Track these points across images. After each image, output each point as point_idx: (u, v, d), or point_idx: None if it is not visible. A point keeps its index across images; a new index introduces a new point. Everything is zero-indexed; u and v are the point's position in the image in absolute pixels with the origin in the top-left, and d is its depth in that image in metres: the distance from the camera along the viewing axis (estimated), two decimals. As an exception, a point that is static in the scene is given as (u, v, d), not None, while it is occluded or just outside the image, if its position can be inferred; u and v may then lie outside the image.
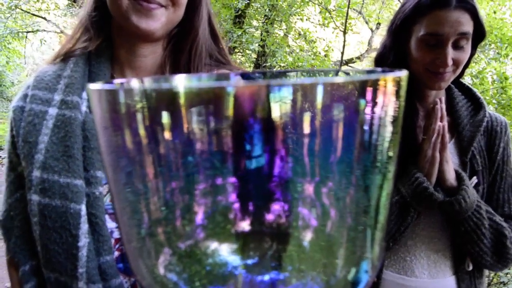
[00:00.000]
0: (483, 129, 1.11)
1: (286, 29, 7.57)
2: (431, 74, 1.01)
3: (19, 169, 0.81)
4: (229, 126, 0.22)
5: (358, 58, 8.70)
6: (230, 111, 0.21)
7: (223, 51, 0.96)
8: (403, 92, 0.26)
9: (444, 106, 1.00)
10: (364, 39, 9.57)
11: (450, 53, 0.98)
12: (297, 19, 7.26)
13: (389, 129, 0.25)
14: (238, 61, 7.29)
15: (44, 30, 8.95)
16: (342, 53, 4.82)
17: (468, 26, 0.98)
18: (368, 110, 0.23)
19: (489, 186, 1.11)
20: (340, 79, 0.22)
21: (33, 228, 0.77)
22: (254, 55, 6.83)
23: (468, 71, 5.22)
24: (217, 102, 0.21)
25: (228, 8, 6.12)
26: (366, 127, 0.24)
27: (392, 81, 0.24)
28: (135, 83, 0.32)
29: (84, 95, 0.82)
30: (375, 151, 0.25)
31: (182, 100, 0.21)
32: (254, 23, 7.17)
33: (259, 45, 5.71)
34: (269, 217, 0.26)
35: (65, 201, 0.74)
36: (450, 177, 1.01)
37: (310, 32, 7.73)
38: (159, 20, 0.80)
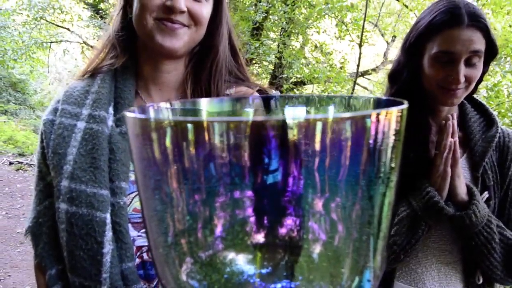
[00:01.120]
0: (495, 145, 1.13)
1: (302, 41, 7.63)
2: (443, 90, 1.03)
3: (48, 179, 0.86)
4: (246, 146, 0.26)
5: (373, 70, 8.69)
6: (247, 138, 0.25)
7: (242, 67, 1.00)
8: (403, 122, 0.30)
9: (456, 122, 1.02)
10: (379, 51, 9.56)
11: (462, 70, 1.00)
12: (314, 31, 7.31)
13: (389, 153, 0.29)
14: (255, 71, 7.36)
15: (68, 41, 9.20)
16: (358, 65, 4.84)
17: (480, 44, 1.00)
18: (372, 139, 0.27)
19: (500, 201, 1.12)
20: (347, 114, 0.26)
21: (60, 235, 0.82)
22: (271, 67, 6.89)
23: (483, 84, 5.18)
24: (237, 132, 0.25)
25: (246, 20, 6.21)
26: (371, 148, 0.28)
27: (394, 114, 0.28)
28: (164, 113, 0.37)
29: (111, 109, 0.87)
30: (379, 164, 0.29)
31: (205, 131, 0.25)
32: (272, 35, 7.24)
33: (275, 57, 5.77)
34: (282, 230, 0.29)
35: (91, 210, 0.79)
36: (461, 191, 1.02)
37: (326, 45, 7.78)
38: (182, 39, 0.85)
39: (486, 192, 1.08)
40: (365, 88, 9.05)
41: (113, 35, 0.91)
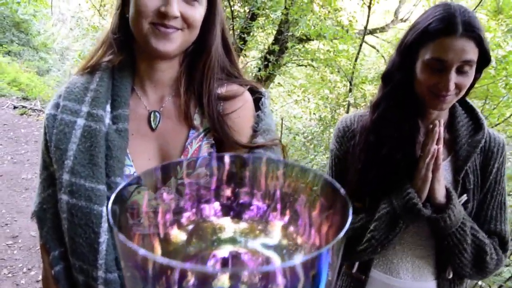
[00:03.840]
0: (481, 148, 1.17)
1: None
2: (433, 96, 1.06)
3: (51, 169, 0.93)
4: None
5: (383, 28, 8.49)
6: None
7: (235, 63, 1.03)
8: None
9: (442, 128, 1.06)
10: (391, 8, 9.28)
11: (453, 78, 1.03)
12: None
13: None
14: (260, 23, 7.21)
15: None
16: (365, 27, 4.75)
17: (472, 54, 1.02)
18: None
19: (479, 203, 1.17)
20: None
21: (62, 222, 0.89)
22: (277, 22, 6.74)
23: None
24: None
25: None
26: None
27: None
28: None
29: (108, 108, 0.92)
30: None
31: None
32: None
33: (282, 13, 5.63)
34: None
35: (90, 203, 0.86)
36: (440, 195, 1.08)
37: (335, 0, 7.53)
38: (176, 43, 0.88)
39: (464, 195, 1.14)
40: (373, 47, 8.86)
41: (111, 35, 0.93)
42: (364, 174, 1.15)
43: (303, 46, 7.84)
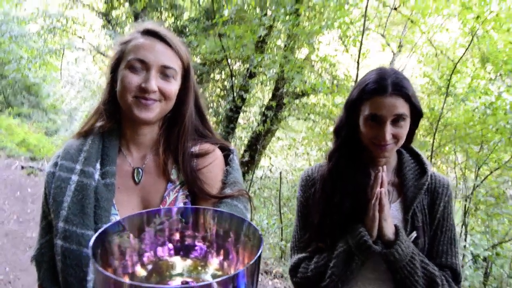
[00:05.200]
0: (427, 190, 1.33)
1: (307, 53, 7.81)
2: (375, 146, 1.24)
3: (49, 218, 1.09)
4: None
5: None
6: None
7: (208, 125, 1.23)
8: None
9: (384, 174, 1.22)
10: (386, 61, 9.70)
11: (389, 130, 1.21)
12: (318, 41, 7.47)
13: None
14: (259, 80, 7.57)
15: (80, 48, 9.52)
16: (355, 81, 5.01)
17: (403, 108, 1.21)
18: None
19: (430, 239, 1.31)
20: None
21: (57, 263, 1.05)
22: (274, 79, 7.08)
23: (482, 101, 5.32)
24: None
25: (251, 32, 6.39)
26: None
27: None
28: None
29: (98, 165, 1.10)
30: None
31: None
32: (276, 46, 7.45)
33: (276, 72, 5.97)
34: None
35: (80, 246, 1.02)
36: (388, 232, 1.22)
37: (331, 56, 7.94)
38: (154, 112, 1.08)
39: (414, 232, 1.28)
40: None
41: (101, 106, 1.14)
42: (324, 218, 1.31)
43: (300, 101, 8.17)
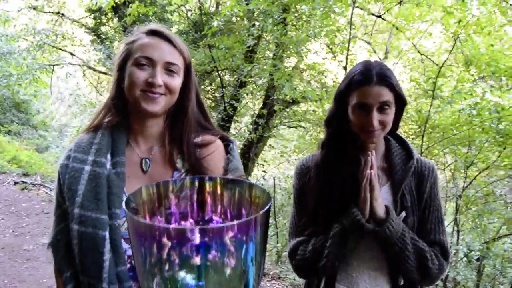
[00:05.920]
0: (414, 173, 1.43)
1: (296, 61, 7.97)
2: (364, 132, 1.34)
3: (64, 207, 1.17)
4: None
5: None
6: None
7: (209, 119, 1.32)
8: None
9: (374, 158, 1.32)
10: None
11: (376, 117, 1.30)
12: (306, 52, 7.65)
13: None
14: (249, 90, 7.69)
15: (70, 63, 9.59)
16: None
17: (388, 96, 1.30)
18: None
19: (419, 219, 1.40)
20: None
21: (73, 247, 1.12)
22: (264, 87, 7.21)
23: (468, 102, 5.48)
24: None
25: (240, 43, 6.53)
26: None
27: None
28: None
29: (109, 156, 1.18)
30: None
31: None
32: (265, 55, 7.60)
33: (266, 81, 6.09)
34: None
35: (95, 229, 1.09)
36: (379, 212, 1.31)
37: (319, 64, 8.10)
38: (160, 105, 1.17)
39: (403, 212, 1.38)
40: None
41: (110, 101, 1.23)
42: (318, 204, 1.40)
43: (290, 108, 8.30)
